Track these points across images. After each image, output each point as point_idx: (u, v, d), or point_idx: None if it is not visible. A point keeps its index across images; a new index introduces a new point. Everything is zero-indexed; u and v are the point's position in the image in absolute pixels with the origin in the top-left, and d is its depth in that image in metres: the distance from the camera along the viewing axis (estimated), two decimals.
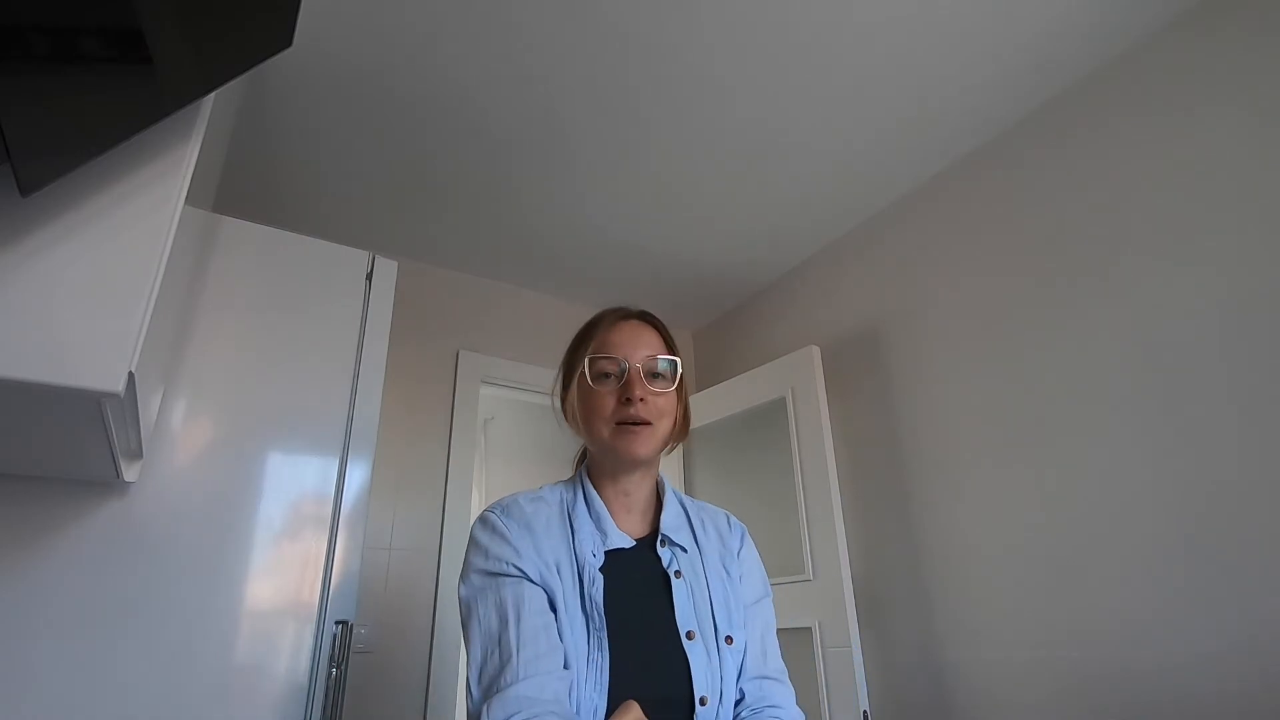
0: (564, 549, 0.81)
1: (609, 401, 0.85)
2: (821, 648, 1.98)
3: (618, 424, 0.84)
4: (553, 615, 0.75)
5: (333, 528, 1.28)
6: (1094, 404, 1.61)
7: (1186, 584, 1.40)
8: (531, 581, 0.77)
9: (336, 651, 1.20)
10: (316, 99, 1.79)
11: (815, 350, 2.28)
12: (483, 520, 0.83)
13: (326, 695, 1.17)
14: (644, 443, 0.84)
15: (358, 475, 1.34)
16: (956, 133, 1.96)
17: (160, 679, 1.06)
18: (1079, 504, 1.60)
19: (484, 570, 0.78)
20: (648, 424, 0.84)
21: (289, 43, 0.95)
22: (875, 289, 2.27)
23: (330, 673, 1.18)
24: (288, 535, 1.24)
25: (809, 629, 2.01)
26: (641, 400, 0.84)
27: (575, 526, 0.84)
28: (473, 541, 0.82)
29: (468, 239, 2.45)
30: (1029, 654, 1.63)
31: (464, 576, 0.80)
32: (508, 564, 0.77)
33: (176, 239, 0.81)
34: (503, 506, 0.84)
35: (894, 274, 2.21)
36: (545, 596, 0.76)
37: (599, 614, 0.76)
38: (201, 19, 0.78)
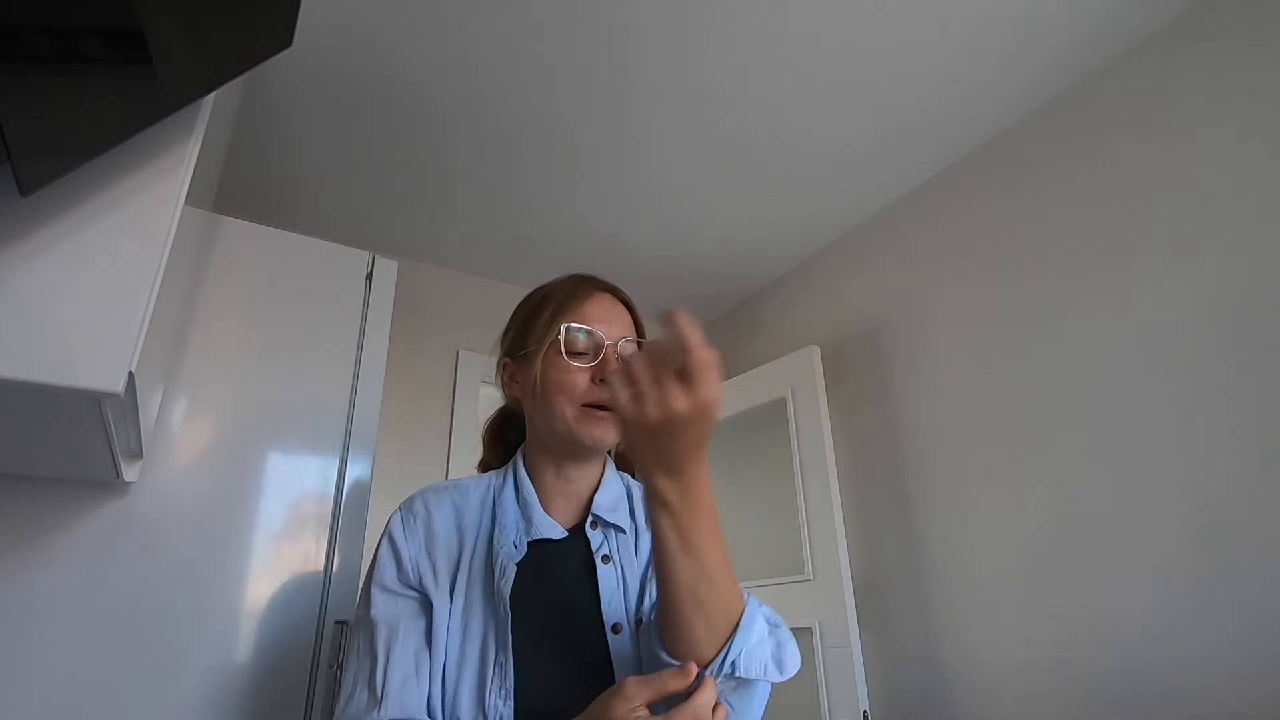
0: (479, 542, 0.75)
1: (580, 379, 0.76)
2: (821, 648, 1.97)
3: (584, 406, 0.76)
4: (427, 644, 0.69)
5: (333, 528, 1.28)
6: (1094, 404, 1.61)
7: (1187, 583, 1.40)
8: (413, 592, 0.71)
9: (336, 651, 1.20)
10: (317, 99, 1.79)
11: (815, 350, 2.28)
12: (387, 523, 0.78)
13: (326, 695, 1.17)
14: (610, 430, 0.76)
15: (358, 475, 1.33)
16: (956, 133, 1.96)
17: (160, 679, 1.06)
18: (1079, 503, 1.60)
19: (373, 584, 0.73)
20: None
21: (289, 42, 0.95)
22: (875, 289, 2.27)
23: (330, 673, 1.18)
24: (288, 535, 1.24)
25: (809, 629, 2.01)
26: None
27: (498, 515, 0.77)
28: (384, 537, 0.77)
29: (468, 239, 2.45)
30: (1029, 654, 1.63)
31: (373, 571, 0.74)
32: (391, 577, 0.72)
33: (176, 239, 0.81)
34: (407, 503, 0.79)
35: (894, 274, 2.21)
36: (427, 618, 0.70)
37: (505, 609, 0.69)
38: (201, 19, 0.78)
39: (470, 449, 2.46)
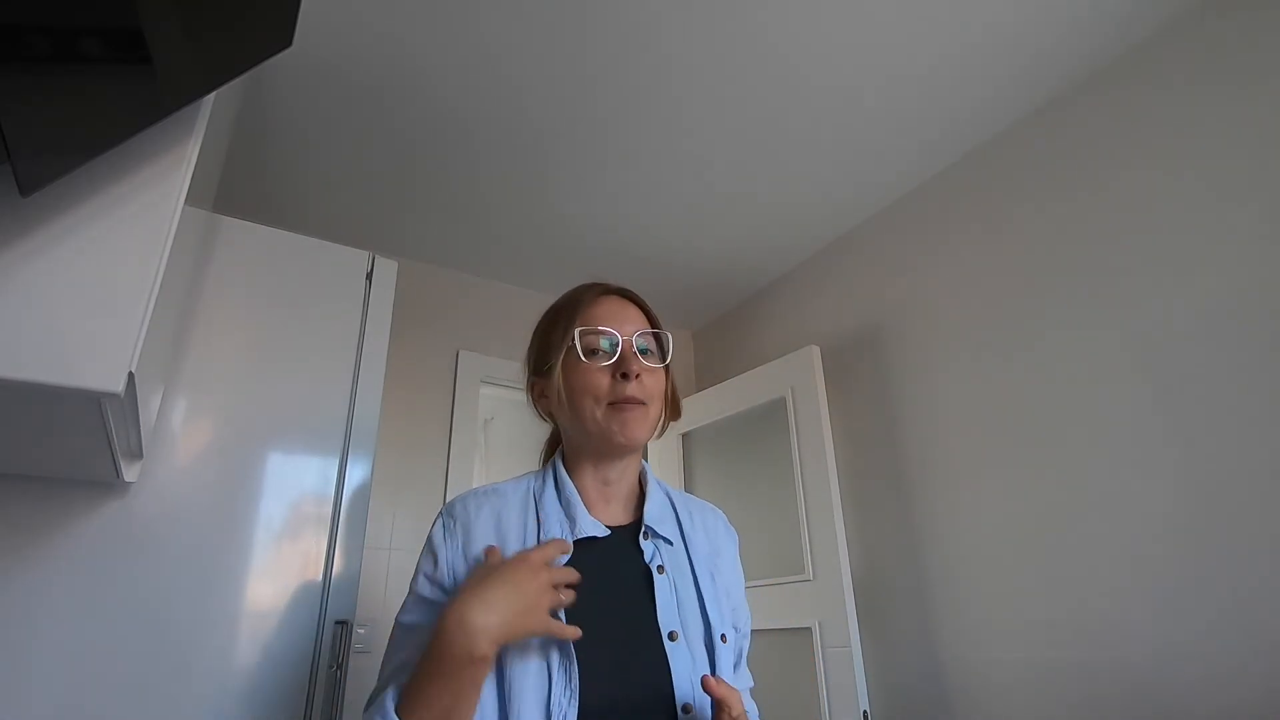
0: (527, 543, 0.76)
1: (602, 379, 0.78)
2: (821, 648, 1.97)
3: (610, 404, 0.78)
4: None
5: (333, 528, 1.28)
6: (1093, 403, 1.61)
7: (1185, 582, 1.40)
8: (445, 596, 0.73)
9: (336, 651, 1.20)
10: (316, 99, 1.79)
11: (815, 350, 2.28)
12: (435, 522, 0.81)
13: (326, 695, 1.17)
14: (640, 424, 0.78)
15: (358, 475, 1.34)
16: (956, 132, 1.96)
17: (160, 679, 1.06)
18: (1078, 503, 1.60)
19: (412, 591, 0.76)
20: (643, 404, 0.78)
21: (289, 43, 0.95)
22: (875, 289, 2.27)
23: (330, 673, 1.18)
24: (288, 535, 1.24)
25: (809, 629, 2.01)
26: (638, 377, 0.78)
27: (542, 517, 0.78)
28: (425, 543, 0.80)
29: (468, 239, 2.45)
30: (1029, 653, 1.63)
31: (413, 579, 0.78)
32: (425, 583, 0.75)
33: (176, 239, 0.81)
34: (447, 507, 0.80)
35: (894, 274, 2.21)
36: None
37: (560, 611, 0.69)
38: (201, 19, 0.78)
39: (470, 449, 2.46)
